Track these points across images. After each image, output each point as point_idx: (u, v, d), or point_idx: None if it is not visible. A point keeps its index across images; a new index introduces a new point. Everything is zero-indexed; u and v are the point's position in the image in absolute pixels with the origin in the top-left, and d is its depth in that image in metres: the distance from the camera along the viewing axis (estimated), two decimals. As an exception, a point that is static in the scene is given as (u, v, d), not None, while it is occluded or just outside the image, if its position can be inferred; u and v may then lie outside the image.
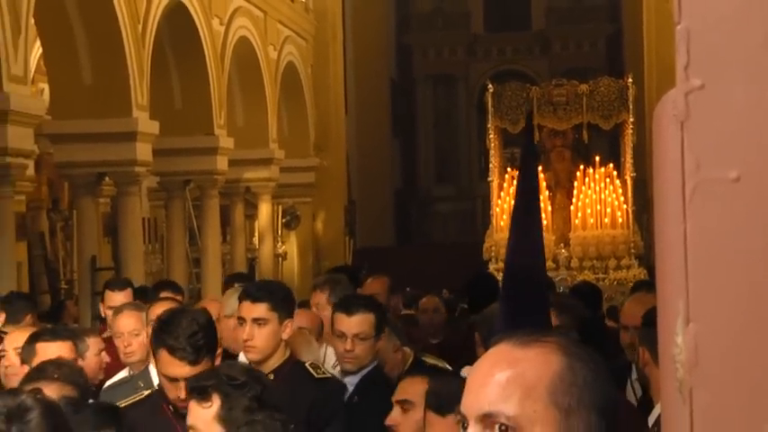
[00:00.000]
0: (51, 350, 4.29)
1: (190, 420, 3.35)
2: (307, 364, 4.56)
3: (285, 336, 4.48)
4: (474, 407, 1.70)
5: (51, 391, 3.45)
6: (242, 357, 5.35)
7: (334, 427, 4.36)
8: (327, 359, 5.28)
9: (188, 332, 3.72)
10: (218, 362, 4.01)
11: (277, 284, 5.18)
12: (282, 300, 4.59)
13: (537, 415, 1.64)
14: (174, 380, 3.74)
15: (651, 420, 3.87)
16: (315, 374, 4.48)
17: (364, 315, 4.69)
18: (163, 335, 3.77)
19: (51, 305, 13.18)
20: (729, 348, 1.04)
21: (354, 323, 4.66)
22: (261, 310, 4.39)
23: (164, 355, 3.76)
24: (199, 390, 3.36)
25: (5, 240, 9.67)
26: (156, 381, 4.41)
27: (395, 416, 3.71)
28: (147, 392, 4.16)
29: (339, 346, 4.72)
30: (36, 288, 13.61)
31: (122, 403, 4.08)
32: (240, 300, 4.53)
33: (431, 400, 3.12)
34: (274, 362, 4.40)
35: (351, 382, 4.75)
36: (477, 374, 1.74)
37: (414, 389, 3.63)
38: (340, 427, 4.38)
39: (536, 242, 3.87)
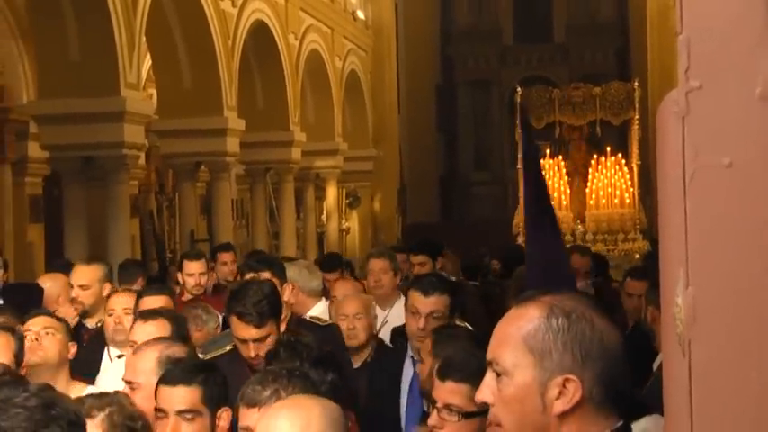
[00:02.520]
0: (154, 302, 4.25)
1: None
2: (307, 317, 4.44)
3: (285, 297, 4.31)
4: (487, 354, 1.72)
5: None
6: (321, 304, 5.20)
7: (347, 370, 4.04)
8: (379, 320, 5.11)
9: (254, 300, 3.63)
10: (283, 326, 3.87)
11: (273, 256, 5.04)
12: (282, 269, 4.51)
13: (517, 360, 1.65)
14: (243, 341, 3.64)
15: (655, 365, 3.84)
16: (319, 323, 4.37)
17: (440, 296, 4.07)
18: (233, 303, 3.69)
19: (158, 270, 13.35)
20: (723, 308, 1.03)
21: (430, 302, 4.04)
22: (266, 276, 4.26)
23: (234, 320, 3.67)
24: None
25: (122, 218, 9.79)
26: None
27: (424, 368, 3.56)
28: (228, 347, 4.00)
29: (412, 324, 4.10)
30: (146, 256, 13.77)
31: (207, 355, 3.97)
32: (243, 271, 4.38)
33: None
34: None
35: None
36: (495, 328, 1.75)
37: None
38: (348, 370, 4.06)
39: (551, 223, 3.71)
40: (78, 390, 3.53)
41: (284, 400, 2.20)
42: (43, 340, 3.68)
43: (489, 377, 1.69)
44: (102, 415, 2.37)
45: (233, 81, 12.18)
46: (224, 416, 2.83)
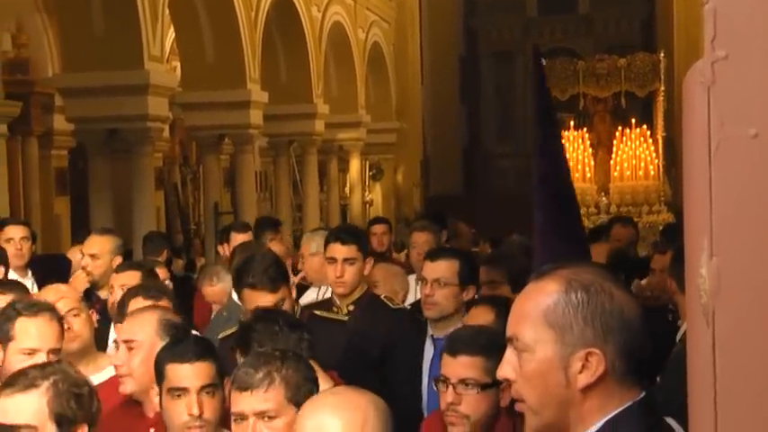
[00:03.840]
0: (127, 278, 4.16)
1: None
2: (382, 297, 4.35)
3: (366, 272, 4.29)
4: (507, 330, 1.72)
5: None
6: (311, 291, 5.11)
7: (402, 349, 3.98)
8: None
9: (262, 267, 3.59)
10: (293, 291, 3.82)
11: (360, 229, 5.04)
12: (366, 242, 4.43)
13: (537, 335, 1.64)
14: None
15: (678, 336, 3.84)
16: (390, 305, 4.28)
17: (447, 262, 3.97)
18: (243, 276, 3.63)
19: (183, 242, 13.45)
20: (747, 278, 1.02)
21: (435, 268, 3.94)
22: (351, 251, 4.19)
23: (247, 293, 3.60)
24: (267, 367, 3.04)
25: (147, 190, 9.85)
26: None
27: None
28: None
29: (421, 292, 4.02)
30: (171, 228, 13.87)
31: (224, 333, 3.89)
32: (329, 242, 4.27)
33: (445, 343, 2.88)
34: (356, 294, 4.18)
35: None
36: (514, 303, 1.76)
37: (484, 317, 3.40)
38: (407, 350, 3.98)
39: (561, 165, 3.47)
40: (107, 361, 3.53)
41: (330, 394, 2.11)
42: (74, 325, 3.59)
43: (510, 354, 1.69)
44: (46, 383, 2.35)
45: (256, 53, 12.17)
46: (228, 386, 2.79)
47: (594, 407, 1.63)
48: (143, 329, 3.05)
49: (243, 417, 2.41)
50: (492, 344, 2.63)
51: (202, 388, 2.71)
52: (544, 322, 1.63)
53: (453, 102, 24.35)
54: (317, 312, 4.08)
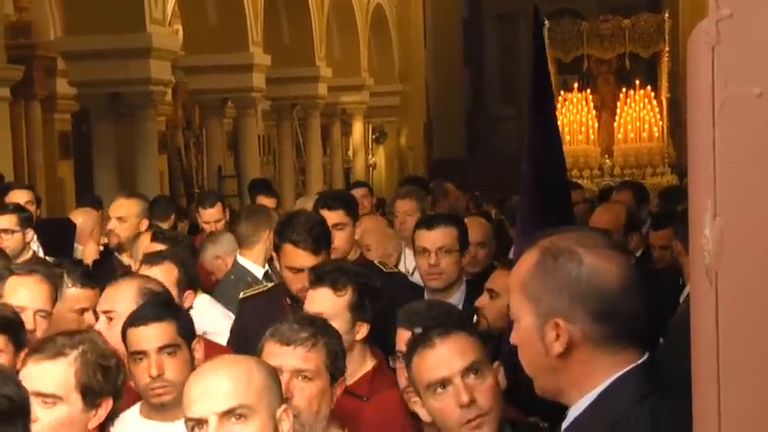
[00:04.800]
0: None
1: (314, 307, 3.01)
2: (376, 262, 4.25)
3: (357, 236, 4.22)
4: None
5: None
6: None
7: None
8: (408, 262, 4.95)
9: (308, 226, 3.51)
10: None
11: (347, 194, 4.92)
12: (354, 206, 4.33)
13: (519, 306, 1.68)
14: (299, 270, 3.46)
15: (682, 297, 3.85)
16: (384, 269, 4.17)
17: (447, 229, 3.85)
18: (286, 231, 3.54)
19: (186, 206, 13.45)
20: (750, 239, 1.02)
21: (437, 237, 3.81)
22: (339, 216, 4.10)
23: (288, 248, 3.50)
24: (333, 279, 3.08)
25: (150, 154, 9.85)
26: None
27: (483, 300, 3.53)
28: (270, 285, 3.89)
29: (423, 263, 3.83)
30: (174, 192, 13.87)
31: (246, 293, 3.87)
32: (318, 208, 4.17)
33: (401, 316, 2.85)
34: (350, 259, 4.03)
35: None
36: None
37: (501, 280, 3.36)
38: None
39: (553, 140, 3.32)
40: None
41: (212, 360, 2.16)
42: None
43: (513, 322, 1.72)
44: (75, 353, 2.32)
45: (258, 16, 12.09)
46: (198, 347, 2.81)
47: (583, 373, 1.63)
48: (122, 299, 3.03)
49: (278, 371, 2.35)
50: (446, 317, 2.65)
51: (161, 348, 2.69)
52: (522, 293, 1.66)
53: (456, 64, 24.20)
54: (244, 294, 3.93)
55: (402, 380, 2.61)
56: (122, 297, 3.04)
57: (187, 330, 2.77)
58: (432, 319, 2.63)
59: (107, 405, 2.34)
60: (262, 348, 2.47)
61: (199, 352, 2.80)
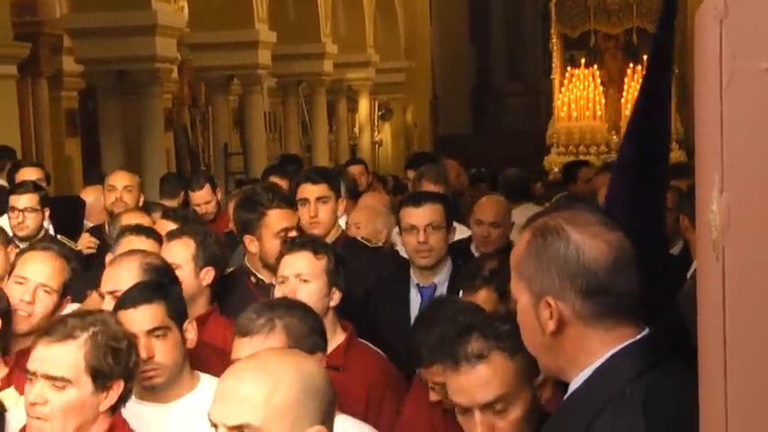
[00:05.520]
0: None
1: (293, 270, 3.06)
2: (359, 238, 4.25)
3: (340, 212, 4.22)
4: None
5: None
6: None
7: (389, 292, 3.85)
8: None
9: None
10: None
11: (331, 169, 4.91)
12: (337, 181, 4.34)
13: (516, 287, 1.69)
14: (305, 201, 3.77)
15: (689, 273, 3.84)
16: (368, 245, 4.18)
17: (434, 205, 3.81)
18: (271, 196, 3.65)
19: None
20: (757, 213, 1.02)
21: (425, 213, 3.77)
22: (323, 189, 4.11)
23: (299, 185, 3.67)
24: (312, 244, 3.18)
25: (156, 131, 9.85)
26: None
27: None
28: (229, 270, 3.84)
29: (411, 240, 3.77)
30: (181, 169, 13.87)
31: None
32: (300, 183, 4.18)
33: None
34: (331, 237, 4.02)
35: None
36: None
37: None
38: (395, 292, 3.83)
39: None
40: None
41: (249, 357, 1.87)
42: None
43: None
44: (85, 335, 2.30)
45: (264, -8, 12.05)
46: (190, 328, 2.78)
47: (578, 350, 1.64)
48: (125, 278, 3.02)
49: None
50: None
51: (150, 331, 2.67)
52: (517, 273, 1.68)
53: (462, 40, 24.09)
54: None
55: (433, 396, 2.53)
56: (125, 275, 3.03)
57: (177, 312, 2.74)
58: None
59: (118, 387, 2.33)
60: (232, 340, 2.44)
61: (191, 332, 2.77)
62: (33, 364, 2.29)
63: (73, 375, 2.26)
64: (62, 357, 2.27)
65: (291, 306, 2.48)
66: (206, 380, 2.73)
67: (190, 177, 6.99)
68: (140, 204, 5.30)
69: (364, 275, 3.86)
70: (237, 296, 3.45)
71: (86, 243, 4.95)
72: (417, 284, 3.81)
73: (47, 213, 5.00)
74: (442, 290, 3.72)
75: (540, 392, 2.09)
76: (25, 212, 4.85)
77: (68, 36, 10.43)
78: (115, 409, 2.36)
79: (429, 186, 5.31)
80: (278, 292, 3.09)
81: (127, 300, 2.73)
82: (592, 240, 1.63)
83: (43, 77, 11.70)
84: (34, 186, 5.06)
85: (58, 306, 3.17)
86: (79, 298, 3.51)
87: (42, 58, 11.46)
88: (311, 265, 3.09)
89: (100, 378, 2.29)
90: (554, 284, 1.62)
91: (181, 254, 3.41)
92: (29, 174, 5.63)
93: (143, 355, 2.62)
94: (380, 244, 4.43)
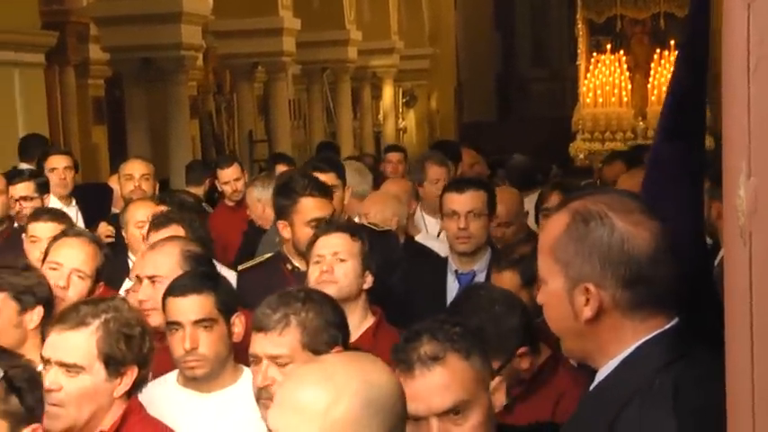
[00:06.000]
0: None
1: (330, 248, 3.09)
2: (366, 223, 4.24)
3: (346, 200, 4.27)
4: None
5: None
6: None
7: (398, 275, 3.85)
8: (429, 226, 4.96)
9: (312, 182, 3.60)
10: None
11: (337, 158, 4.91)
12: (343, 170, 4.37)
13: (549, 270, 1.67)
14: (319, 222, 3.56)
15: (716, 261, 3.81)
16: (375, 229, 4.16)
17: (477, 192, 3.81)
18: (296, 187, 3.64)
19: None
20: (785, 198, 1.02)
21: (467, 200, 3.77)
22: (331, 178, 4.16)
23: (305, 201, 3.57)
24: (348, 227, 3.24)
25: (182, 119, 9.88)
26: None
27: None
28: (267, 256, 3.87)
29: (452, 226, 3.78)
30: (206, 157, 13.93)
31: (244, 265, 3.87)
32: (308, 170, 4.19)
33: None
34: None
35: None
36: None
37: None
38: (411, 275, 3.86)
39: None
40: None
41: (314, 362, 1.68)
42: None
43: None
44: (97, 322, 2.31)
45: (288, -21, 12.04)
46: (237, 322, 2.75)
47: (611, 339, 1.63)
48: (165, 263, 3.03)
49: (257, 359, 2.33)
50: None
51: (197, 322, 2.66)
52: (552, 256, 1.65)
53: (487, 26, 23.98)
54: (241, 267, 3.92)
55: None
56: (166, 261, 3.04)
57: (226, 304, 2.72)
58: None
59: (132, 374, 2.34)
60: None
61: (238, 326, 2.74)
62: (47, 351, 2.33)
63: (86, 362, 2.28)
64: (75, 344, 2.29)
65: (308, 299, 2.43)
66: (248, 373, 2.71)
67: (217, 158, 7.08)
68: (156, 192, 5.30)
69: (376, 261, 3.86)
70: (274, 283, 3.37)
71: (105, 231, 4.97)
72: (456, 271, 3.82)
73: (47, 200, 5.02)
74: (481, 277, 3.70)
75: (495, 398, 1.96)
76: (22, 201, 4.87)
77: (95, 24, 10.49)
78: (131, 394, 2.38)
79: (435, 169, 5.32)
80: (313, 272, 3.09)
81: (176, 287, 2.73)
82: (635, 228, 1.62)
83: (70, 65, 11.78)
84: (30, 174, 5.10)
85: (92, 291, 3.20)
86: (113, 284, 3.54)
87: (69, 47, 11.53)
88: (348, 245, 3.12)
89: (113, 364, 2.31)
90: (594, 271, 1.60)
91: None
92: (58, 161, 5.66)
93: (187, 345, 2.63)
94: (387, 228, 4.41)
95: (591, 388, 1.69)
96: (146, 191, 5.25)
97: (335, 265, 3.06)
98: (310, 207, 3.59)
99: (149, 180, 5.40)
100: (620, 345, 1.62)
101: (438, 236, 4.80)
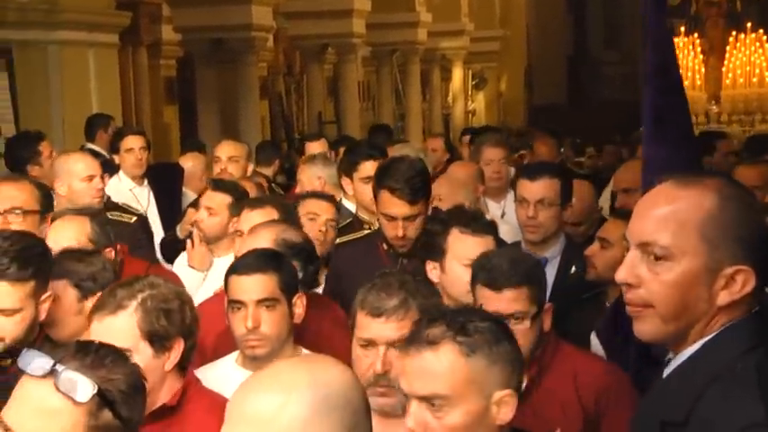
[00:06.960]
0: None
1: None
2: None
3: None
4: (635, 235, 1.65)
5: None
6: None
7: None
8: (491, 209, 4.88)
9: (407, 175, 3.40)
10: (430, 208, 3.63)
11: (383, 147, 4.86)
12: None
13: (687, 246, 1.58)
14: (392, 219, 3.41)
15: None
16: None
17: (550, 180, 3.65)
18: (383, 177, 3.47)
19: (287, 151, 13.58)
20: None
21: (538, 188, 3.63)
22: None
23: (385, 195, 3.44)
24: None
25: (252, 99, 9.96)
26: None
27: (593, 249, 3.39)
28: (366, 231, 3.84)
29: (522, 214, 3.68)
30: (276, 137, 14.02)
31: (342, 239, 3.85)
32: (362, 158, 4.21)
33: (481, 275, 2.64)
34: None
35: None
36: (641, 207, 1.67)
37: (615, 230, 3.27)
38: None
39: (674, 79, 3.07)
40: None
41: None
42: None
43: (635, 258, 1.62)
44: (134, 303, 2.32)
45: (358, -39, 12.01)
46: (299, 302, 2.74)
47: (720, 321, 1.59)
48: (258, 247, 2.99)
49: (372, 344, 2.25)
50: (532, 271, 2.62)
51: (260, 302, 2.65)
52: (698, 234, 1.56)
53: (558, 8, 23.60)
54: (339, 240, 3.89)
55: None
56: (260, 245, 2.98)
57: (289, 285, 2.71)
58: (520, 275, 2.55)
59: (179, 346, 2.35)
60: (354, 315, 2.33)
61: (299, 307, 2.75)
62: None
63: (131, 344, 2.27)
64: (117, 329, 2.29)
65: (416, 281, 2.38)
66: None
67: (303, 135, 7.23)
68: (248, 174, 5.35)
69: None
70: (369, 263, 3.34)
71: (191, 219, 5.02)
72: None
73: (107, 180, 5.05)
74: (553, 264, 3.61)
75: (501, 410, 1.85)
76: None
77: (167, 5, 10.60)
78: (183, 365, 2.39)
79: (489, 151, 5.19)
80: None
81: (240, 266, 2.73)
82: (756, 205, 1.61)
83: (143, 46, 11.93)
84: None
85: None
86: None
87: (142, 27, 11.67)
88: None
89: (157, 341, 2.32)
90: (746, 255, 1.56)
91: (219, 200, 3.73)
92: (133, 141, 5.65)
93: (249, 324, 2.63)
94: None
95: (669, 370, 1.65)
96: (232, 173, 5.24)
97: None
98: (385, 202, 3.49)
99: (239, 162, 5.42)
100: (707, 329, 1.59)
101: (502, 216, 4.74)
